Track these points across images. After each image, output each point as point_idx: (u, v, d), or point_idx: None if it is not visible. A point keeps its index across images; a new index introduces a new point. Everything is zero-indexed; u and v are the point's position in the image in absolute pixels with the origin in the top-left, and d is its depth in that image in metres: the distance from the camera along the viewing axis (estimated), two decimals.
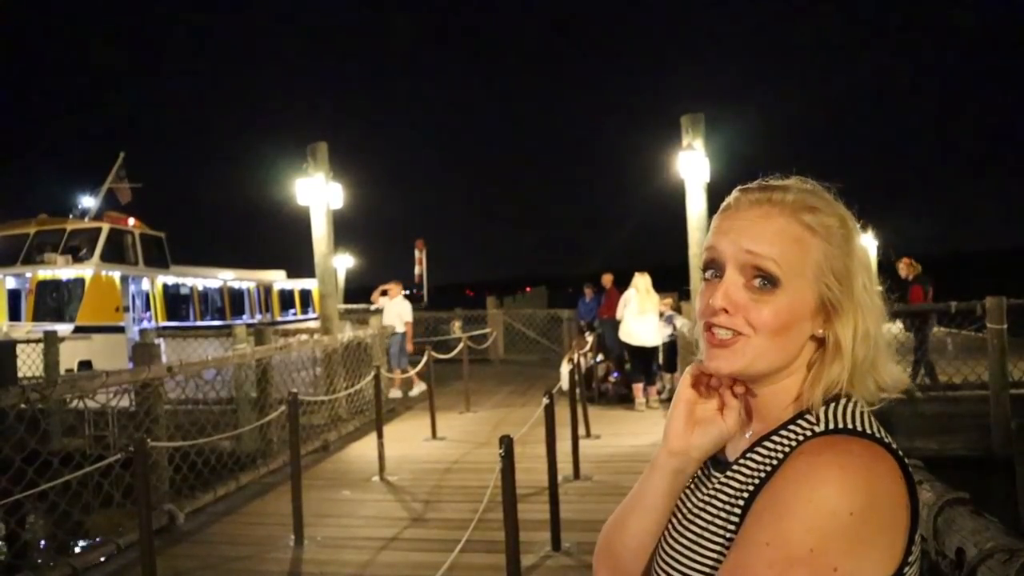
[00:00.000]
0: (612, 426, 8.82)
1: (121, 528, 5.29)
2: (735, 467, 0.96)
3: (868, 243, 27.16)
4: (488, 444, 7.46)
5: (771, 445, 0.94)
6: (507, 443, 3.57)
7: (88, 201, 19.15)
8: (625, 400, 10.21)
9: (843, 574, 0.80)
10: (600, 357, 11.17)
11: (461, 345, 11.89)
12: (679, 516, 1.01)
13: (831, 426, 0.90)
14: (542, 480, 5.11)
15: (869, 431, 0.89)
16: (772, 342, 0.93)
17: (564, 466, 5.97)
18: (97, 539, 5.23)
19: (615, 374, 10.74)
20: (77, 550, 5.02)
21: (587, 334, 11.89)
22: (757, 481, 0.91)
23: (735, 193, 0.99)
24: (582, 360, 9.23)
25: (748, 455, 0.96)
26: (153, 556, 3.79)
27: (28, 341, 12.36)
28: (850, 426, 0.89)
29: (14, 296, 16.71)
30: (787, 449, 0.91)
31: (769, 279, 0.92)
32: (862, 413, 0.92)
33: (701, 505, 0.98)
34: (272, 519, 5.75)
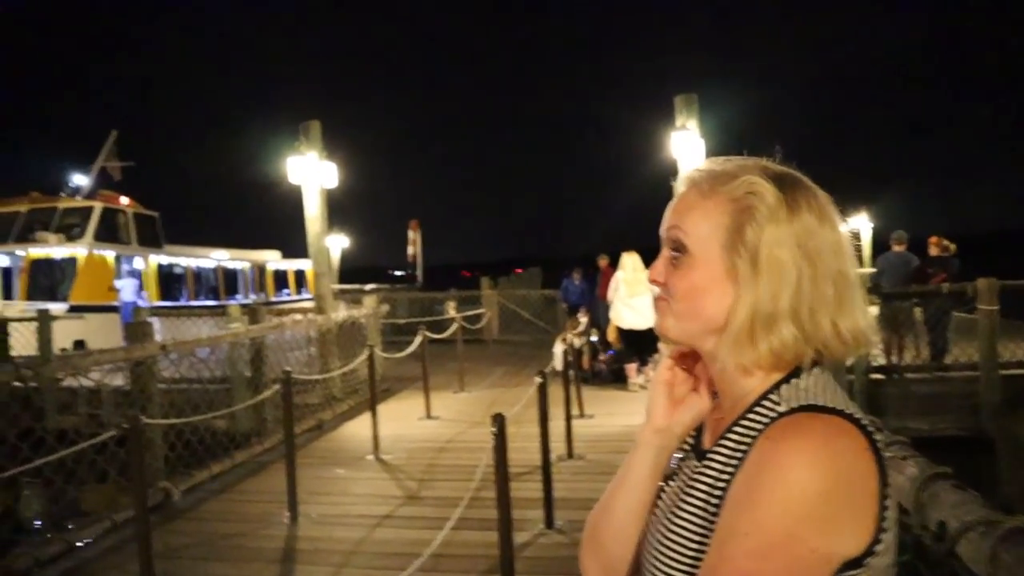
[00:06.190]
0: (605, 406, 8.86)
1: (117, 505, 5.31)
2: (709, 455, 0.98)
3: (862, 223, 26.59)
4: (482, 423, 7.50)
5: (740, 431, 0.95)
6: (500, 421, 3.59)
7: (80, 179, 19.05)
8: (619, 380, 10.26)
9: (821, 553, 0.82)
10: (595, 337, 11.18)
11: (455, 326, 11.91)
12: (663, 507, 1.03)
13: (793, 404, 0.90)
14: (535, 459, 5.15)
15: (830, 404, 0.89)
16: (683, 306, 0.98)
17: (557, 445, 6.01)
18: (93, 516, 5.25)
19: (610, 352, 10.76)
20: (72, 526, 5.03)
21: (580, 315, 11.89)
22: (731, 469, 0.93)
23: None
24: (575, 340, 9.26)
25: (720, 443, 0.98)
26: (149, 532, 3.82)
27: (21, 320, 12.35)
28: (809, 401, 0.90)
29: (7, 274, 16.67)
30: (754, 434, 0.92)
31: (679, 247, 0.99)
32: (824, 385, 0.93)
33: (683, 496, 0.99)
34: (267, 496, 5.79)
